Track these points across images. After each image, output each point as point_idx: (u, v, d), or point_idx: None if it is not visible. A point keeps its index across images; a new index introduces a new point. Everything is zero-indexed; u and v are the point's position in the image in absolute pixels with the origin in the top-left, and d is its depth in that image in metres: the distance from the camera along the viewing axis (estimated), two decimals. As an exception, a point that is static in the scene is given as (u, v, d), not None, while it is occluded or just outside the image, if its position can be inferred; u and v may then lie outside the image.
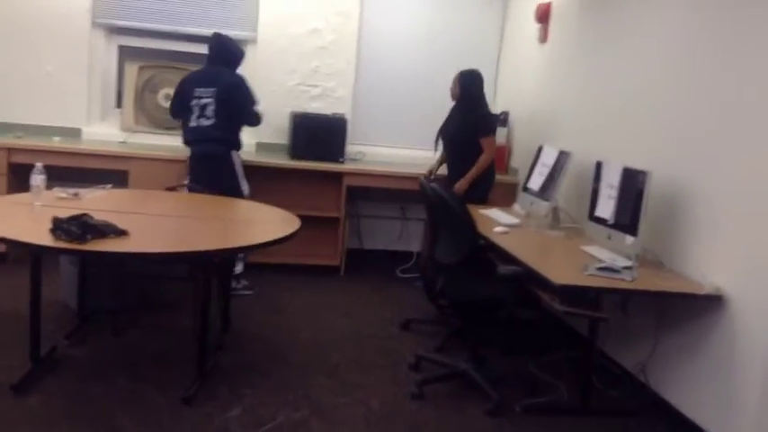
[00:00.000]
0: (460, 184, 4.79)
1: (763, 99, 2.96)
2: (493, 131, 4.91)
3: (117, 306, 3.90)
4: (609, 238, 3.60)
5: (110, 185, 4.12)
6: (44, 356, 3.41)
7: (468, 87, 4.91)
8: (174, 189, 4.47)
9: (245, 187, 4.71)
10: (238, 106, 4.71)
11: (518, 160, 5.61)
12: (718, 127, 3.24)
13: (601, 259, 3.42)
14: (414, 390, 3.49)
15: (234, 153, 4.72)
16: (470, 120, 4.85)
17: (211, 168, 4.62)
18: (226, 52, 4.81)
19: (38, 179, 3.49)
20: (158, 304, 4.33)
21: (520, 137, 5.66)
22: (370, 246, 6.07)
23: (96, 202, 3.76)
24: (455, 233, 3.48)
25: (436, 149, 5.11)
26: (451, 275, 3.50)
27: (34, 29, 5.38)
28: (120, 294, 3.91)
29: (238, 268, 4.79)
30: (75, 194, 3.77)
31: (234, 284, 4.64)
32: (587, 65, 4.58)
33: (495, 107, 6.02)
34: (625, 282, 3.13)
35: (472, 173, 4.81)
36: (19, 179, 4.72)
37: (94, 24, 5.52)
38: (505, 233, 4.00)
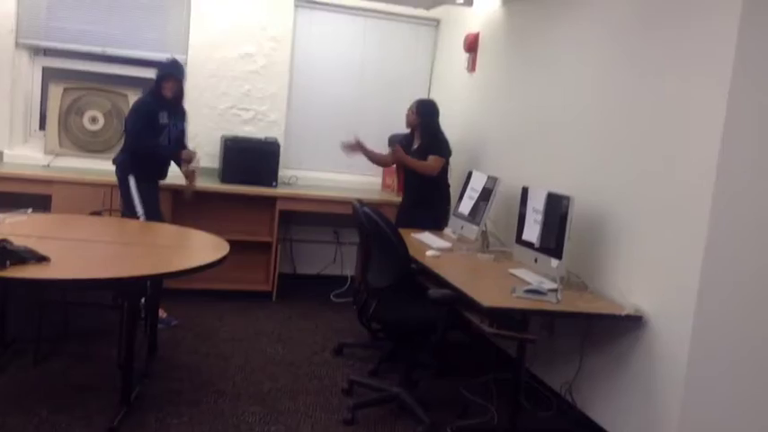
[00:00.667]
0: (400, 152, 4.94)
1: (679, 127, 3.11)
2: (444, 155, 4.99)
3: (38, 334, 3.75)
4: (535, 261, 3.70)
5: (30, 210, 3.99)
6: (-42, 388, 3.26)
7: (428, 116, 5.04)
8: (98, 213, 4.37)
9: (139, 211, 4.56)
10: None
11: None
12: (636, 154, 3.38)
13: (528, 282, 3.50)
14: (346, 415, 3.48)
15: (130, 177, 4.60)
16: (429, 145, 4.95)
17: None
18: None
19: (-46, 203, 3.36)
20: (82, 332, 4.19)
21: (451, 163, 5.75)
22: (304, 270, 6.05)
23: (17, 227, 3.64)
24: (387, 257, 3.51)
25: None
26: (384, 299, 3.52)
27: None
28: (42, 322, 3.77)
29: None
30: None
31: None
32: (513, 93, 4.72)
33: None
34: (550, 303, 3.21)
35: (415, 161, 4.92)
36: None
37: (18, 45, 5.36)
38: (437, 257, 4.06)
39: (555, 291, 3.31)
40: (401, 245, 3.40)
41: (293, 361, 4.22)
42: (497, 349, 4.40)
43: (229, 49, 5.70)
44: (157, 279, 3.82)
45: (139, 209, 4.56)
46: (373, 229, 3.51)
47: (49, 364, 3.75)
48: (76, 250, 3.42)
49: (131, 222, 4.28)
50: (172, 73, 4.65)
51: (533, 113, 4.42)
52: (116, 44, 5.53)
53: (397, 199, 5.38)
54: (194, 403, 3.47)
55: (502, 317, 3.21)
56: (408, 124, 5.13)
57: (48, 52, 5.53)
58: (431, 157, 4.89)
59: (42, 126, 5.53)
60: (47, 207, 4.83)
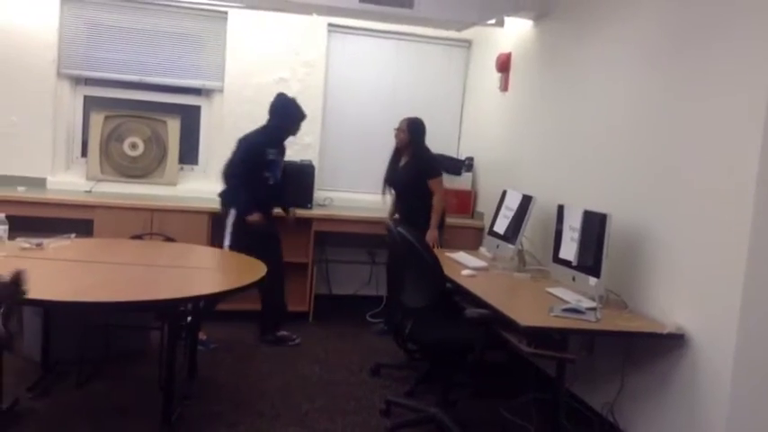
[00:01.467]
0: (431, 234, 4.89)
1: (716, 143, 3.08)
2: (440, 173, 5.06)
3: (81, 357, 3.83)
4: (573, 279, 3.67)
5: (73, 235, 4.09)
6: (6, 409, 3.33)
7: (418, 134, 5.10)
8: (139, 237, 4.45)
9: (226, 243, 4.70)
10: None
11: (483, 205, 5.70)
12: (673, 170, 3.35)
13: (566, 300, 3.47)
14: (384, 436, 3.48)
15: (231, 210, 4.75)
16: (421, 164, 5.03)
17: None
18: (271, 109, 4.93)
19: (0, 229, 3.46)
20: (124, 354, 4.25)
21: (485, 182, 5.77)
22: (339, 291, 6.07)
23: (60, 251, 3.73)
24: (422, 277, 3.51)
25: (384, 194, 5.24)
26: (419, 319, 3.52)
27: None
28: (84, 345, 3.84)
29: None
30: (39, 244, 3.74)
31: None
32: (547, 111, 4.71)
33: (460, 153, 6.15)
34: (589, 322, 3.18)
35: (434, 219, 4.95)
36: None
37: (60, 75, 5.53)
38: (472, 276, 4.05)
39: (594, 309, 3.28)
40: (436, 265, 3.40)
41: (331, 381, 4.23)
42: (536, 369, 4.35)
43: (264, 75, 5.80)
44: (196, 301, 3.87)
45: (227, 240, 4.69)
46: (408, 250, 3.52)
47: (91, 386, 3.82)
48: (118, 273, 3.49)
49: (170, 245, 4.34)
50: (305, 116, 4.99)
51: (567, 131, 4.41)
52: (154, 73, 5.67)
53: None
54: (234, 425, 3.49)
55: (540, 336, 3.18)
56: (398, 142, 5.18)
57: (88, 81, 5.70)
58: (432, 182, 4.98)
59: (84, 153, 5.68)
60: (89, 232, 4.94)
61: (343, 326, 5.42)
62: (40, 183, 5.46)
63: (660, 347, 3.29)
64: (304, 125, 5.88)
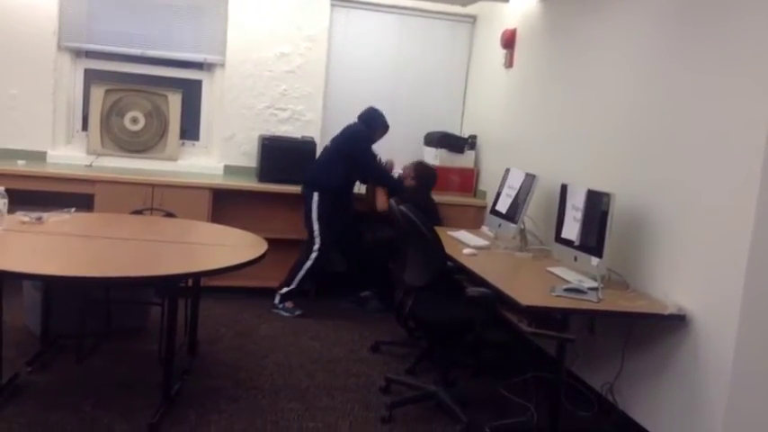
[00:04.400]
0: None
1: (723, 123, 3.04)
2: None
3: (81, 331, 3.83)
4: (575, 259, 3.64)
5: (73, 209, 4.07)
6: (5, 383, 3.34)
7: (426, 185, 5.23)
8: (140, 212, 4.43)
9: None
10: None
11: (486, 183, 5.67)
12: (678, 150, 3.31)
13: (567, 280, 3.45)
14: (384, 413, 3.48)
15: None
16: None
17: None
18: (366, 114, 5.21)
19: None
20: (125, 329, 4.25)
21: (488, 160, 5.73)
22: (341, 267, 6.04)
23: (60, 225, 3.71)
24: (424, 255, 3.49)
25: None
26: (420, 297, 3.50)
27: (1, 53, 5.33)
28: (85, 319, 3.84)
29: (285, 289, 5.06)
30: (39, 218, 3.72)
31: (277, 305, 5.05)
32: (552, 89, 4.66)
33: (463, 131, 6.10)
34: (591, 302, 3.16)
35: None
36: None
37: (60, 48, 5.48)
38: (474, 255, 4.03)
39: (595, 289, 3.26)
40: (437, 243, 3.38)
41: (331, 358, 4.23)
42: (537, 348, 4.34)
43: (266, 50, 5.74)
44: (196, 277, 3.86)
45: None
46: (409, 227, 3.50)
47: (91, 361, 3.83)
48: (118, 248, 3.48)
49: (171, 221, 4.32)
50: (388, 128, 5.27)
51: (572, 109, 4.36)
52: (156, 46, 5.61)
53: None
54: (234, 400, 3.50)
55: (541, 316, 3.17)
56: (407, 184, 5.24)
57: (89, 54, 5.64)
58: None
59: (85, 127, 5.64)
60: (90, 206, 4.92)
61: (345, 302, 5.42)
62: (40, 156, 5.43)
63: (661, 328, 3.28)
64: (305, 101, 5.87)
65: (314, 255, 5.03)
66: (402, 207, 3.56)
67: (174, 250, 3.60)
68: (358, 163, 5.05)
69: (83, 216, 4.19)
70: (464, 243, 4.29)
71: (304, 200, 5.09)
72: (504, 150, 5.33)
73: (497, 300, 3.27)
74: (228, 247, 3.75)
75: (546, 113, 4.70)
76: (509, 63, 5.34)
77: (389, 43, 6.05)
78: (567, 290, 3.25)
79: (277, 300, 5.05)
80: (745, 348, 2.88)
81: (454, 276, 3.73)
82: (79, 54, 5.62)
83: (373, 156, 5.12)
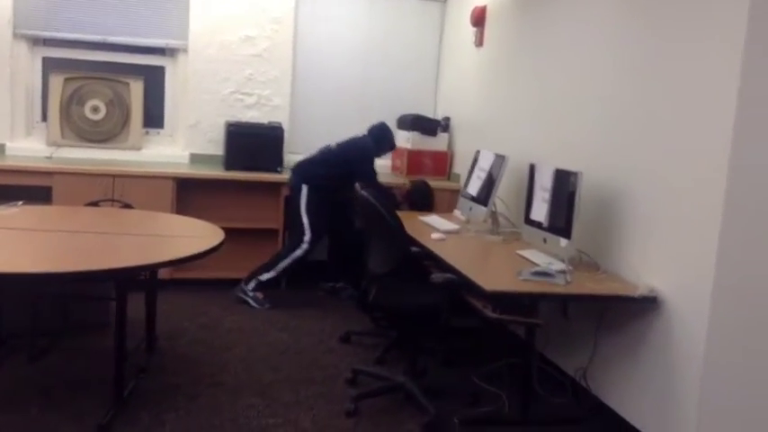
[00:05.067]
0: None
1: (692, 101, 2.91)
2: None
3: (32, 330, 3.67)
4: (545, 241, 3.52)
5: (20, 202, 3.90)
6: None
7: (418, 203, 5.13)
8: (95, 204, 4.27)
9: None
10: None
11: (459, 166, 5.52)
12: (648, 128, 3.18)
13: (536, 263, 3.32)
14: (349, 406, 3.35)
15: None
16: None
17: None
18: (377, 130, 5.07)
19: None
20: (84, 326, 4.08)
21: (461, 142, 5.58)
22: (313, 257, 5.90)
23: (6, 220, 3.55)
24: (387, 242, 3.35)
25: None
26: (384, 285, 3.37)
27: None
28: (37, 317, 3.68)
29: (265, 276, 4.87)
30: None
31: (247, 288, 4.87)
32: (521, 68, 4.51)
33: (437, 113, 5.95)
34: (559, 286, 3.03)
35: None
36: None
37: (16, 36, 5.27)
38: (442, 240, 3.89)
39: (563, 272, 3.13)
40: (399, 228, 3.24)
41: (298, 350, 4.09)
42: (511, 334, 4.23)
43: (230, 33, 5.54)
44: (150, 269, 3.71)
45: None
46: (372, 213, 3.35)
47: (44, 361, 3.67)
48: (68, 242, 3.32)
49: (128, 212, 4.16)
50: (395, 147, 5.30)
51: (541, 87, 4.21)
52: (116, 32, 5.41)
53: (404, 180, 5.26)
54: (192, 397, 3.36)
55: (507, 301, 3.05)
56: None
57: (47, 42, 5.43)
58: None
59: (44, 117, 5.45)
60: (49, 199, 4.74)
61: (315, 292, 5.27)
62: (-6, 148, 5.23)
63: (633, 310, 3.16)
64: (272, 85, 5.70)
65: (304, 246, 4.86)
66: (364, 191, 3.41)
67: (127, 242, 3.44)
68: (357, 176, 4.87)
69: (33, 209, 4.00)
70: (434, 227, 4.15)
71: (291, 190, 4.93)
72: (476, 132, 5.19)
73: (462, 286, 3.13)
74: (185, 237, 3.60)
75: (516, 92, 4.56)
76: (479, 41, 5.18)
77: (358, 24, 5.87)
78: (534, 273, 3.12)
79: (251, 285, 4.86)
80: (717, 329, 2.76)
81: (422, 263, 3.59)
82: (36, 42, 5.41)
83: (375, 173, 4.95)
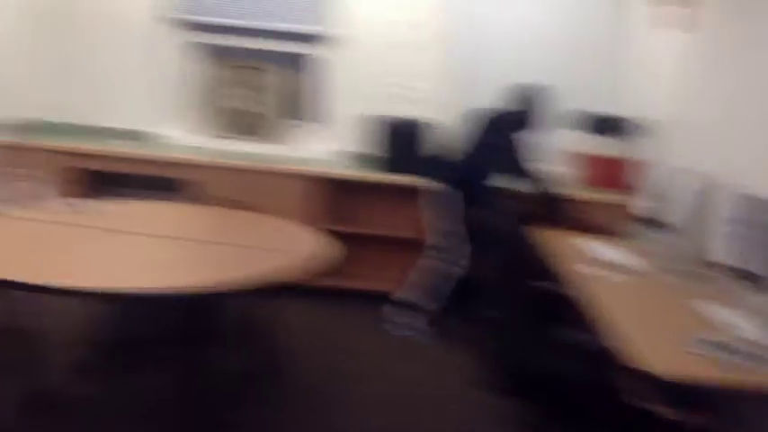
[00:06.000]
0: None
1: None
2: None
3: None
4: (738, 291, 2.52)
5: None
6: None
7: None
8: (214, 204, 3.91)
9: None
10: None
11: (647, 179, 4.46)
12: None
13: (718, 326, 2.35)
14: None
15: None
16: None
17: None
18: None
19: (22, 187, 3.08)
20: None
21: (653, 150, 4.51)
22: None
23: (93, 218, 3.28)
24: (506, 268, 2.54)
25: None
26: (502, 334, 2.56)
27: (100, 26, 5.06)
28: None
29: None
30: (78, 207, 3.34)
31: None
32: (751, 60, 3.40)
33: (617, 109, 4.88)
34: (747, 371, 2.05)
35: None
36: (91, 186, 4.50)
37: (160, 19, 5.08)
38: (597, 275, 2.96)
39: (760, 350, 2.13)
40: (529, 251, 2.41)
41: (432, 394, 3.36)
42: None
43: (393, 21, 4.97)
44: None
45: None
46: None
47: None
48: (138, 249, 2.96)
49: (243, 216, 3.73)
50: None
51: None
52: (266, 17, 5.07)
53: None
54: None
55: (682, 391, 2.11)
56: None
57: (197, 27, 5.20)
58: None
59: (186, 106, 5.22)
60: (185, 191, 4.49)
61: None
62: (135, 136, 5.08)
63: None
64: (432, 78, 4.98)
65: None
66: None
67: (217, 254, 2.98)
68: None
69: (131, 206, 3.71)
70: (589, 255, 3.24)
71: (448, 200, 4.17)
72: (678, 139, 4.10)
73: (607, 356, 2.23)
74: (284, 253, 3.04)
75: (743, 93, 3.43)
76: (690, 25, 4.07)
77: (532, 6, 5.02)
78: (710, 344, 2.17)
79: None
80: None
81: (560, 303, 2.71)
82: (186, 27, 5.19)
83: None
